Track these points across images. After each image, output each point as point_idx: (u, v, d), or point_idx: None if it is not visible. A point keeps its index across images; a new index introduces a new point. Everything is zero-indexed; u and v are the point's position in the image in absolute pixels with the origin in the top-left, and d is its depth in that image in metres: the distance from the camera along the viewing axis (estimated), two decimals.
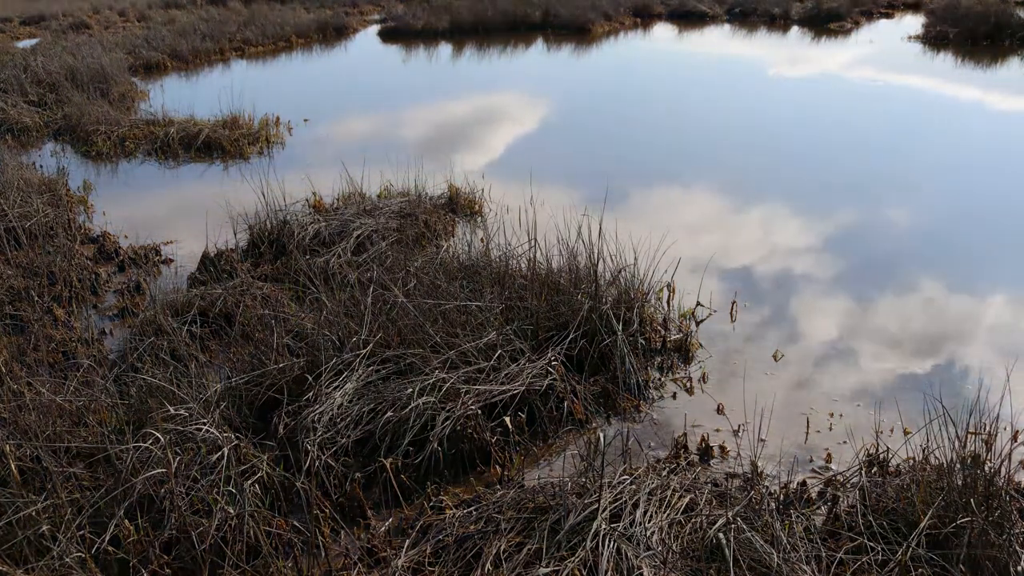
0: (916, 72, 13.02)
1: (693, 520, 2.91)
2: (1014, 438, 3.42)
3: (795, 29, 18.64)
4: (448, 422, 3.44)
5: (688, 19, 20.64)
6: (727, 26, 19.61)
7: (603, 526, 2.78)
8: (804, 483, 3.18)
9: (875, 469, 3.23)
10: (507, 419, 3.59)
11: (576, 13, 18.99)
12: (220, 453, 3.15)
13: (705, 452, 3.53)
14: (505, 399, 3.67)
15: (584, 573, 2.67)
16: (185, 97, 11.21)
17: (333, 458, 3.32)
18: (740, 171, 7.83)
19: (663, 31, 19.41)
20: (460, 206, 6.61)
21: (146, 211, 7.17)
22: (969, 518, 2.70)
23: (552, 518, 2.87)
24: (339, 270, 5.00)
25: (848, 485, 3.13)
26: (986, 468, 2.85)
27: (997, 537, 2.66)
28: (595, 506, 2.86)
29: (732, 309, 4.88)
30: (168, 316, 4.50)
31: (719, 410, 3.90)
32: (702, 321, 4.77)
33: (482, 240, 5.18)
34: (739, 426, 3.73)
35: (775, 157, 8.36)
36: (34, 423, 3.37)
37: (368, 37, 20.07)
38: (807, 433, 3.70)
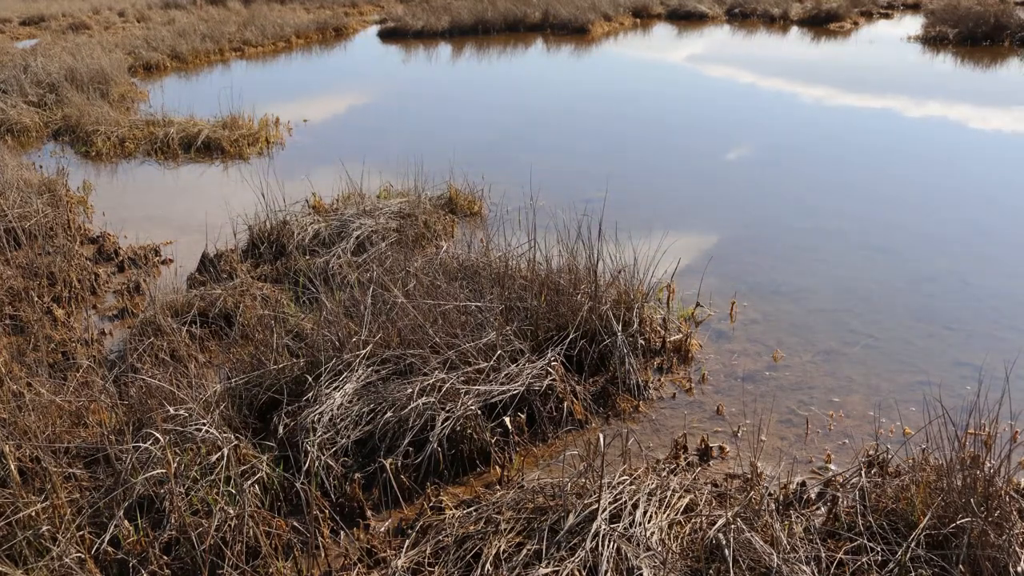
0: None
1: (693, 521, 2.91)
2: (1014, 438, 3.43)
3: (795, 29, 18.63)
4: (448, 422, 3.44)
5: (688, 19, 20.66)
6: (727, 26, 19.62)
7: (603, 527, 2.78)
8: (803, 484, 3.18)
9: (875, 470, 3.23)
10: (507, 419, 3.59)
11: (575, 13, 19.02)
12: (220, 453, 3.15)
13: (704, 453, 3.53)
14: (505, 399, 3.67)
15: (584, 573, 2.67)
16: (185, 97, 11.21)
17: (333, 458, 3.32)
18: None
19: (662, 31, 19.42)
20: (459, 206, 6.61)
21: (146, 212, 7.17)
22: (969, 519, 2.70)
23: (552, 518, 2.87)
24: (339, 270, 5.01)
25: (848, 486, 3.13)
26: (986, 468, 2.84)
27: (997, 537, 2.66)
28: (595, 506, 2.86)
29: (732, 309, 4.88)
30: (168, 316, 4.50)
31: (718, 411, 3.90)
32: (701, 322, 4.77)
33: (482, 240, 5.18)
34: (738, 427, 3.74)
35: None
36: (34, 423, 3.37)
37: (368, 37, 20.08)
38: (807, 433, 3.70)
